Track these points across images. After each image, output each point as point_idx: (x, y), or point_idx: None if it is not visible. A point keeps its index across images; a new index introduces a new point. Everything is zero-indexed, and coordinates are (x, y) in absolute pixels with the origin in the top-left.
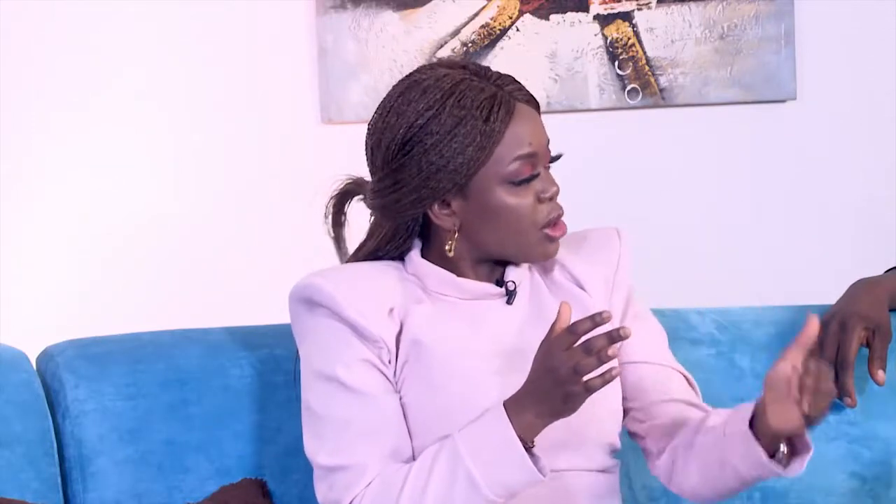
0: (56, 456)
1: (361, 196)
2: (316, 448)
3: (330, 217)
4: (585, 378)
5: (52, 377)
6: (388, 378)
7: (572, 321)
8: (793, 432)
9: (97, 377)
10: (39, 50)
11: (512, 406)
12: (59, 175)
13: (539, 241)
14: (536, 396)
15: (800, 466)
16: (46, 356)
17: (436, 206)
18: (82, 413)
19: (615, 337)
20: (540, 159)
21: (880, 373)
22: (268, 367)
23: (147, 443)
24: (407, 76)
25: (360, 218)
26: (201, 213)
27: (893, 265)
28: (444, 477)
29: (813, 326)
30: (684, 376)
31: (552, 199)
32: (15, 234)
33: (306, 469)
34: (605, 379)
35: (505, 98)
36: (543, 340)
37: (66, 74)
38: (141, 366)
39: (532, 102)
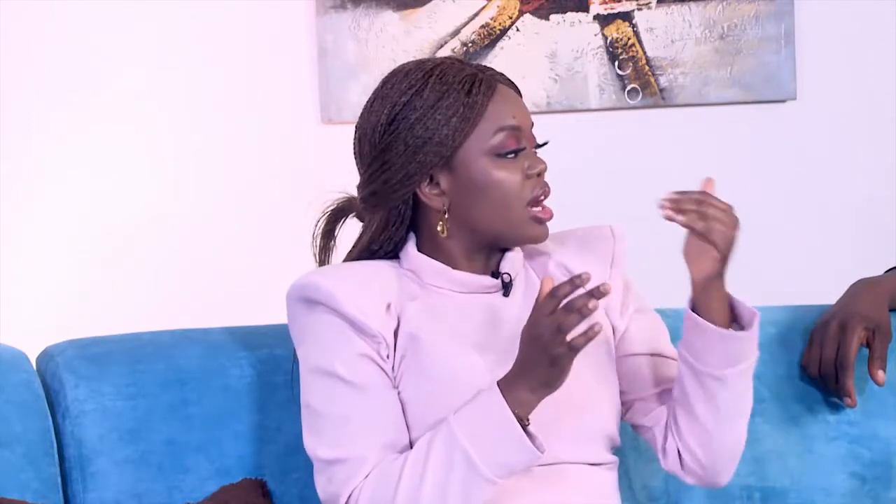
0: (56, 456)
1: (354, 214)
2: (315, 443)
3: (318, 240)
4: (569, 337)
5: (52, 377)
6: (386, 373)
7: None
8: (712, 271)
9: (97, 377)
10: (39, 50)
11: (504, 385)
12: (59, 175)
13: (527, 221)
14: (526, 369)
15: (755, 331)
16: (46, 356)
17: (425, 186)
18: (82, 413)
19: (595, 294)
20: (524, 135)
21: (880, 373)
22: (268, 367)
23: (147, 443)
24: (389, 73)
25: (348, 243)
26: (201, 213)
27: (893, 265)
28: (441, 461)
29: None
30: None
31: (539, 175)
32: (15, 234)
33: (306, 469)
34: (589, 336)
35: (486, 77)
36: (529, 316)
37: (66, 74)
38: (141, 366)
39: (514, 88)
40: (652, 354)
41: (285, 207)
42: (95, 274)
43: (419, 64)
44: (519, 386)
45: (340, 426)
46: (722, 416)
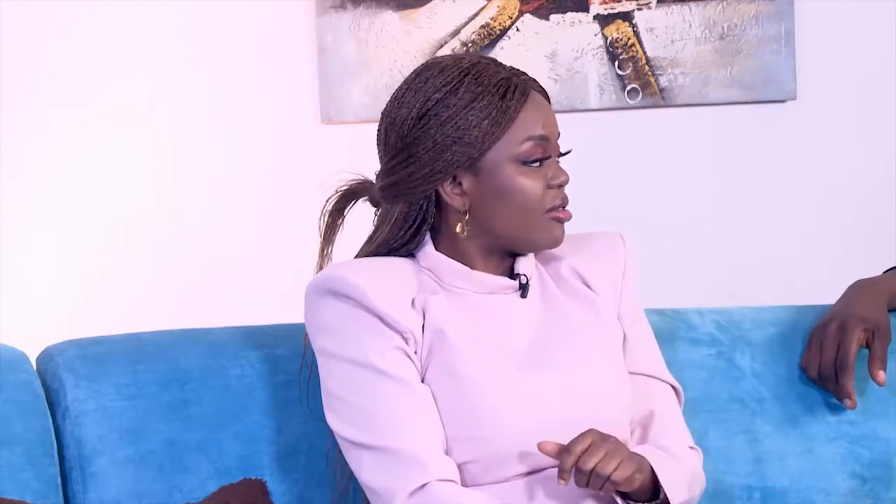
0: (56, 456)
1: (366, 198)
2: (354, 431)
3: (326, 217)
4: None
5: (52, 377)
6: (417, 368)
7: (580, 317)
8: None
9: (97, 377)
10: (40, 51)
11: None
12: (59, 175)
13: (546, 225)
14: None
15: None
16: (46, 356)
17: (447, 184)
18: (82, 413)
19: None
20: (551, 146)
21: (881, 373)
22: (268, 367)
23: (147, 443)
24: (422, 64)
25: (353, 226)
26: (201, 213)
27: (893, 265)
28: None
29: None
30: (673, 388)
31: (560, 186)
32: (15, 234)
33: (306, 469)
34: None
35: (520, 83)
36: None
37: (66, 75)
38: (141, 366)
39: (545, 95)
40: (645, 375)
41: (285, 207)
42: (95, 274)
43: (455, 61)
44: None
45: (385, 417)
46: None
